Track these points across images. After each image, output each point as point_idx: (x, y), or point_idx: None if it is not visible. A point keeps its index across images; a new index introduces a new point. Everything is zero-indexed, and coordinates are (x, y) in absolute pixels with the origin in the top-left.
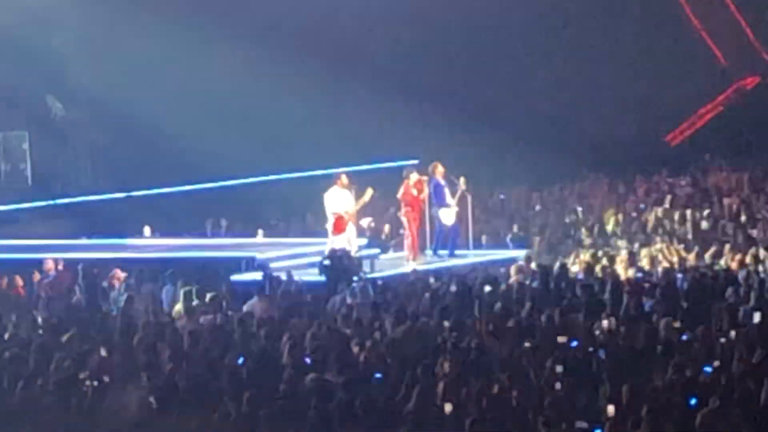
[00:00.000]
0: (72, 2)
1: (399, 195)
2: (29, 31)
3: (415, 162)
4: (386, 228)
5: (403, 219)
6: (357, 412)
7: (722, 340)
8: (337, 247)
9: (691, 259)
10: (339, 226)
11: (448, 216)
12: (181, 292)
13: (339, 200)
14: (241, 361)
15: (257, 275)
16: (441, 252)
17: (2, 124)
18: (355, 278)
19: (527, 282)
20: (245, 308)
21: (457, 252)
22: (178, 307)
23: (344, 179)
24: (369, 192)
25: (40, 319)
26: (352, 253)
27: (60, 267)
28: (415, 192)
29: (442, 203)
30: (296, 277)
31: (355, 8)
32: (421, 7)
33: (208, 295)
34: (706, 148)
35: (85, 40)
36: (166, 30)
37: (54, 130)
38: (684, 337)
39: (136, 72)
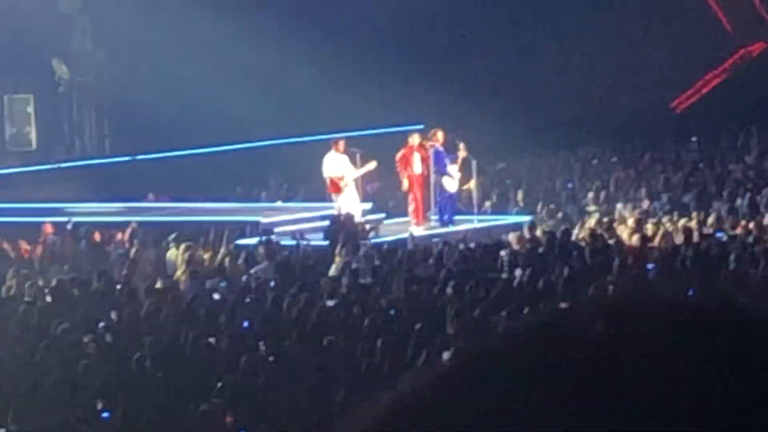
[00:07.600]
0: None
1: (398, 158)
2: None
3: (420, 127)
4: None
5: (405, 182)
6: (361, 376)
7: None
8: (343, 211)
9: (694, 225)
10: (334, 189)
11: (450, 183)
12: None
13: (335, 164)
14: (246, 325)
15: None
16: (444, 218)
17: (7, 87)
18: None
19: (532, 247)
20: (253, 272)
21: (456, 218)
22: (180, 272)
23: (341, 145)
24: (373, 163)
25: (41, 282)
26: (356, 218)
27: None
28: (418, 156)
29: (444, 170)
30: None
31: None
32: None
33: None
34: (712, 115)
35: (89, 5)
36: None
37: (59, 93)
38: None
39: (140, 36)
